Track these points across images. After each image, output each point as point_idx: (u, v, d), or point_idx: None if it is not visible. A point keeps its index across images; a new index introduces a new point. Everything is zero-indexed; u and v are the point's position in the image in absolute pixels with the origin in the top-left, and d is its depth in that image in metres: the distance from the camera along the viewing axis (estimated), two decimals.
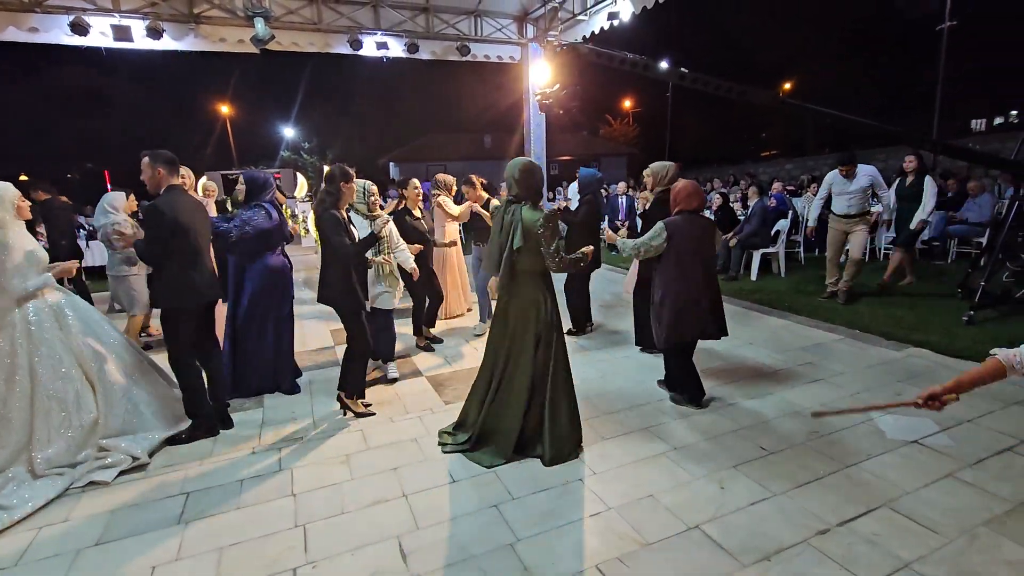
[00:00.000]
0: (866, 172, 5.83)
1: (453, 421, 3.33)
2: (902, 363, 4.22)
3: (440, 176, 5.64)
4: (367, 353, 3.61)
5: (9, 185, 3.03)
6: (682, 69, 4.66)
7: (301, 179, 11.70)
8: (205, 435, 3.33)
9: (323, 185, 3.42)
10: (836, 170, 6.02)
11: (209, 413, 3.38)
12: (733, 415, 3.45)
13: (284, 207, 5.76)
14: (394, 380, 4.17)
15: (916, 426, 3.21)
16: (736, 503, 2.54)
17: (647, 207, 4.38)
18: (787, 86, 29.44)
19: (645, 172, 4.43)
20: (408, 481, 2.84)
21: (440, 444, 3.19)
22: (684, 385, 3.61)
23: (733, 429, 3.27)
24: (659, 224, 3.42)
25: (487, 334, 3.18)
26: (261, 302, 3.85)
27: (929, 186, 6.00)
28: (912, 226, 6.04)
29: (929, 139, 6.52)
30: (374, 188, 3.92)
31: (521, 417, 2.96)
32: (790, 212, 8.24)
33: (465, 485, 2.79)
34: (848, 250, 6.09)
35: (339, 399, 3.58)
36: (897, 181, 6.47)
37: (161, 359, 3.46)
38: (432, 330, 5.27)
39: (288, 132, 26.35)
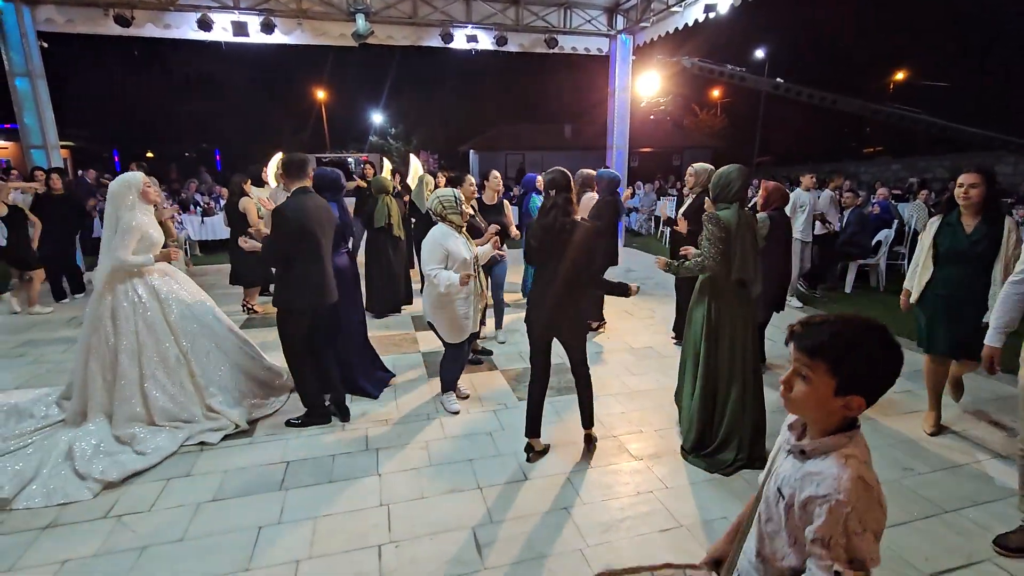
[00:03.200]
0: None
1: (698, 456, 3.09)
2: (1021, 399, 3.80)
3: (585, 171, 5.21)
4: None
5: (138, 173, 3.45)
6: (777, 79, 4.57)
7: (387, 163, 12.16)
8: (318, 422, 3.50)
9: (551, 193, 2.97)
10: None
11: (319, 405, 3.50)
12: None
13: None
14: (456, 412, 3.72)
15: None
16: None
17: (687, 206, 4.68)
18: (899, 75, 26.66)
19: (688, 171, 4.78)
20: (482, 474, 2.97)
21: (716, 472, 2.96)
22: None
23: None
24: (764, 215, 4.03)
25: (696, 343, 3.08)
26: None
27: (1012, 235, 3.00)
28: (990, 319, 2.68)
29: None
30: (463, 195, 3.62)
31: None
32: (895, 221, 7.56)
33: (537, 484, 2.88)
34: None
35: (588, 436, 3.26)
36: (934, 221, 3.28)
37: (262, 334, 3.79)
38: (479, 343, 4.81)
39: (376, 118, 27.58)
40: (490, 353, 4.81)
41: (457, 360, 3.71)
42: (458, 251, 3.38)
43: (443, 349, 3.70)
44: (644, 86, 10.17)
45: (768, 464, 1.25)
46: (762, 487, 1.23)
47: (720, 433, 3.03)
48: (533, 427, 3.13)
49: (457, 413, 3.69)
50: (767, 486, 1.21)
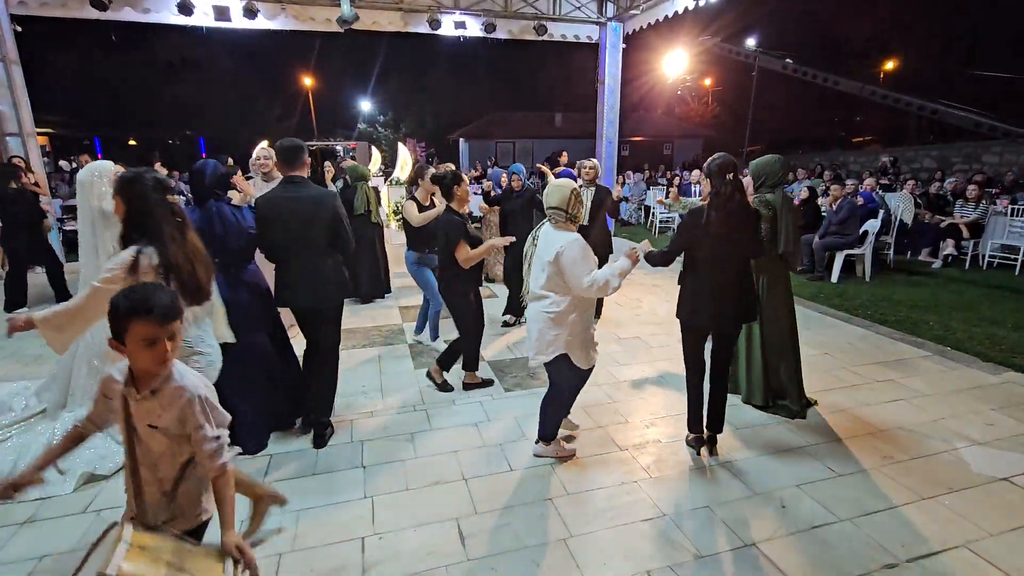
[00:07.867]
0: None
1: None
2: (998, 389, 3.88)
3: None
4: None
5: (108, 163, 3.27)
6: (787, 60, 4.59)
7: (375, 152, 11.93)
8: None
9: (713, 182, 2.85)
10: None
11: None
12: (800, 430, 3.33)
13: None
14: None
15: (1009, 461, 2.97)
16: (797, 524, 2.48)
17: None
18: (889, 64, 26.59)
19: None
20: (467, 465, 2.97)
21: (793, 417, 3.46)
22: None
23: (800, 445, 3.16)
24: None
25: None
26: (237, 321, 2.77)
27: None
28: None
29: None
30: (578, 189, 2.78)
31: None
32: (881, 212, 7.60)
33: (521, 475, 2.88)
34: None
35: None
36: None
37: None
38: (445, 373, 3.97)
39: (365, 105, 27.21)
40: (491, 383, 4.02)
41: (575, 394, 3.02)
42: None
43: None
44: (671, 64, 11.17)
45: None
46: None
47: (781, 385, 3.56)
48: (699, 423, 3.06)
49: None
50: None
